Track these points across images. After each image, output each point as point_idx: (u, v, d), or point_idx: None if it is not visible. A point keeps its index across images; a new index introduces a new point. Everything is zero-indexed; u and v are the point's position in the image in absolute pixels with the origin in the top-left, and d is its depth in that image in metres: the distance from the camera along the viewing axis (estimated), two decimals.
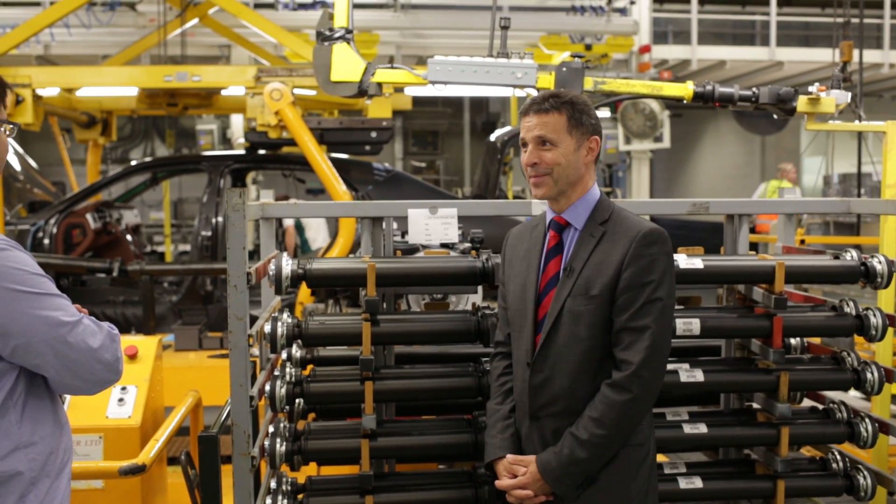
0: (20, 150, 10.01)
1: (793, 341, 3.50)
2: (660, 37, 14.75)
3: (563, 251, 2.66)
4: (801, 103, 4.23)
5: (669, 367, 3.17)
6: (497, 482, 2.64)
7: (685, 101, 4.27)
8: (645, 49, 13.20)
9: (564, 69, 4.03)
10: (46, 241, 7.18)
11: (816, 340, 3.57)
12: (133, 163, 10.45)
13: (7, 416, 2.00)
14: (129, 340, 4.03)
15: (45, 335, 2.00)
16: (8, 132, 2.16)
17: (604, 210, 2.65)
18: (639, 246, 2.53)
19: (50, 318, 2.02)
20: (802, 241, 7.36)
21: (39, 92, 7.03)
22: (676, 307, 3.38)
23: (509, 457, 2.64)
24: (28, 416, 2.04)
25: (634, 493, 2.55)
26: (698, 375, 3.16)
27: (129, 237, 8.36)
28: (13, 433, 2.00)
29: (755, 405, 3.37)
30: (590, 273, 2.56)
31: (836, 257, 3.29)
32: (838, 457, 3.31)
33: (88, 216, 7.58)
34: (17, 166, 9.50)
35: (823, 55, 13.24)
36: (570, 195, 2.65)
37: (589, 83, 4.10)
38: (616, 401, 2.47)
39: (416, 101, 10.77)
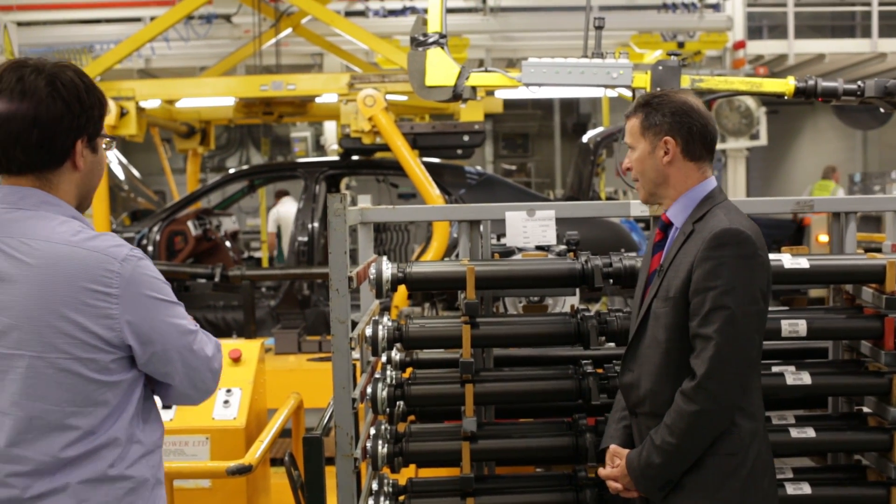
0: (124, 160, 10.36)
1: None
2: (754, 32, 14.39)
3: (664, 249, 2.63)
4: None
5: (775, 369, 3.10)
6: (599, 469, 2.69)
7: (786, 97, 4.15)
8: (739, 45, 12.92)
9: (661, 68, 3.96)
10: (150, 249, 7.40)
11: None
12: (231, 171, 10.71)
13: (138, 423, 2.02)
14: (232, 344, 4.13)
15: (177, 343, 2.03)
16: (106, 146, 2.16)
17: (704, 207, 2.55)
18: (707, 247, 2.42)
19: (180, 326, 2.04)
20: None
21: (142, 104, 7.27)
22: (781, 308, 3.31)
23: (612, 447, 2.66)
24: (148, 423, 2.06)
25: None
26: (805, 378, 3.08)
27: (227, 243, 8.57)
28: (141, 439, 2.02)
29: (865, 409, 3.27)
30: (671, 274, 2.52)
31: None
32: None
33: (189, 224, 7.79)
34: (121, 176, 9.84)
35: None
36: (665, 196, 2.62)
37: (686, 81, 4.02)
38: (684, 411, 2.42)
39: (507, 103, 10.76)
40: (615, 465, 2.61)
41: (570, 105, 19.56)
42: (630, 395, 2.63)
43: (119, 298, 1.93)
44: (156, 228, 7.52)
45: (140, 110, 7.19)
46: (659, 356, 2.52)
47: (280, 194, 13.39)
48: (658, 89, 2.76)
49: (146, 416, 2.06)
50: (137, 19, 12.06)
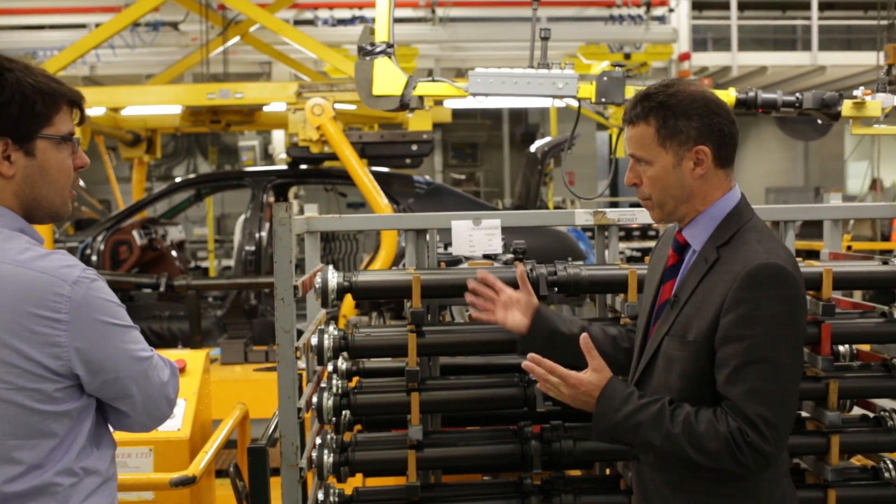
0: None
1: (841, 348, 3.45)
2: (699, 44, 14.67)
3: (678, 275, 2.24)
4: (846, 107, 4.19)
5: None
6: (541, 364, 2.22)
7: None
8: (684, 57, 13.14)
9: (605, 78, 4.03)
10: (94, 258, 7.31)
11: (866, 347, 3.52)
12: (177, 180, 10.61)
13: (91, 451, 1.88)
14: (177, 354, 4.09)
15: (132, 370, 1.88)
16: (64, 147, 1.95)
17: (730, 227, 2.15)
18: (740, 287, 2.02)
19: (134, 352, 1.89)
20: (849, 247, 7.27)
21: (86, 112, 7.16)
22: None
23: (585, 337, 2.20)
24: (101, 448, 1.93)
25: None
26: None
27: (174, 253, 8.48)
28: (97, 469, 1.89)
29: (804, 413, 3.33)
30: (690, 311, 2.12)
31: (886, 262, 3.25)
32: (890, 465, 3.24)
33: (135, 233, 7.70)
34: None
35: (867, 58, 13.08)
36: (687, 212, 2.20)
37: (630, 92, 4.09)
38: (724, 456, 2.04)
39: (456, 113, 10.82)
40: (586, 372, 2.17)
41: (518, 115, 19.71)
42: None
43: (68, 325, 1.78)
44: (100, 238, 7.42)
45: (85, 118, 7.08)
46: None
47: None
48: (661, 82, 2.24)
49: (98, 442, 1.91)
50: (82, 26, 11.93)
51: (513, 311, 2.57)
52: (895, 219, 9.40)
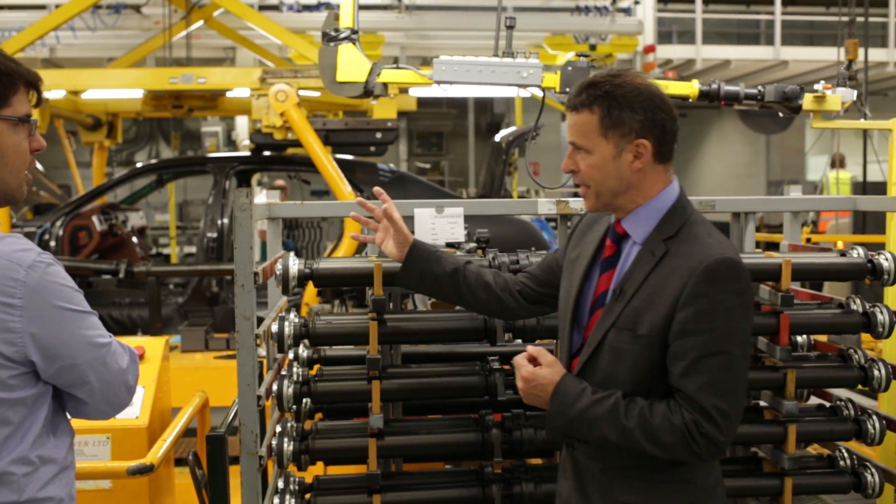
0: None
1: (799, 339, 3.50)
2: (664, 36, 14.76)
3: (618, 266, 2.22)
4: (807, 101, 4.22)
5: None
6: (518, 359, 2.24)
7: (690, 100, 4.26)
8: (649, 49, 13.20)
9: (570, 68, 4.02)
10: (53, 244, 7.20)
11: (823, 338, 3.57)
12: (138, 165, 10.48)
13: (47, 439, 1.85)
14: (136, 341, 4.04)
15: (89, 356, 1.85)
16: (16, 129, 1.88)
17: (675, 221, 2.15)
18: (699, 282, 2.02)
19: (92, 338, 1.86)
20: (808, 239, 7.35)
21: (45, 95, 7.04)
22: None
23: (536, 350, 2.22)
24: (58, 436, 1.90)
25: None
26: None
27: (134, 239, 8.39)
28: (54, 457, 1.86)
29: (762, 403, 3.37)
30: (640, 304, 2.10)
31: (843, 254, 3.29)
32: (846, 454, 3.30)
33: (94, 218, 7.60)
34: None
35: (828, 54, 13.23)
36: (624, 203, 2.19)
37: None
38: (679, 446, 2.06)
39: (421, 102, 10.79)
40: (540, 364, 2.19)
41: (484, 104, 19.71)
42: None
43: (23, 310, 1.74)
44: (59, 223, 7.32)
45: (43, 101, 6.97)
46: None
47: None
48: (608, 71, 2.21)
49: (55, 430, 1.89)
50: (42, 6, 11.71)
51: (389, 239, 2.69)
52: (822, 211, 9.55)
